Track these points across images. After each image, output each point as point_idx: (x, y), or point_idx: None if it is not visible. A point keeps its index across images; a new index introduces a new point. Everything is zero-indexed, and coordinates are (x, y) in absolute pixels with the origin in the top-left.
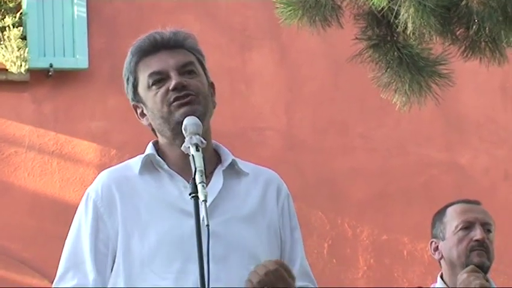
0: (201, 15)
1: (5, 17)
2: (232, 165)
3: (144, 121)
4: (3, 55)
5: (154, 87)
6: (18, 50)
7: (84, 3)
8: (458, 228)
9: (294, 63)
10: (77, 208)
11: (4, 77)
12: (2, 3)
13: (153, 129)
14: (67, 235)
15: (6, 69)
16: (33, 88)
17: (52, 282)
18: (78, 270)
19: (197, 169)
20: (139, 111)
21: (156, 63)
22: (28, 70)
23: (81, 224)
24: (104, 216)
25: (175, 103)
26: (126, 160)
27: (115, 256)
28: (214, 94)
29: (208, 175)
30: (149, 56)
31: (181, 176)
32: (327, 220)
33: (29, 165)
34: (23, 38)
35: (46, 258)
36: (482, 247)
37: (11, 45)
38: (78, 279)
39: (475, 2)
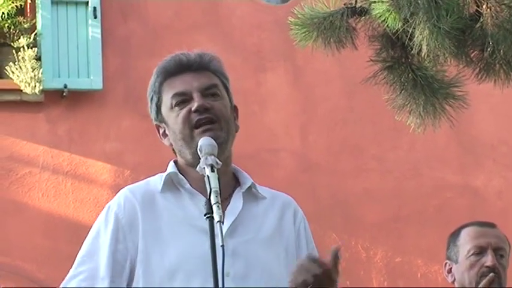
0: (215, 36)
1: (19, 38)
2: (251, 188)
3: (165, 141)
4: (18, 76)
5: (177, 107)
6: (32, 71)
7: (99, 24)
8: (471, 253)
9: (308, 85)
10: (91, 228)
11: (18, 98)
12: (17, 24)
13: (173, 150)
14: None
15: (21, 90)
16: (48, 109)
17: None
18: (89, 274)
19: (212, 190)
20: (161, 131)
21: (180, 84)
22: (42, 91)
23: (100, 232)
24: (124, 229)
25: (198, 129)
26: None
27: (132, 270)
28: (237, 117)
29: (227, 197)
30: (174, 77)
31: (202, 195)
32: (340, 242)
33: (43, 186)
34: (38, 58)
35: (59, 278)
36: (493, 273)
37: (25, 65)
38: (87, 283)
39: (489, 24)
